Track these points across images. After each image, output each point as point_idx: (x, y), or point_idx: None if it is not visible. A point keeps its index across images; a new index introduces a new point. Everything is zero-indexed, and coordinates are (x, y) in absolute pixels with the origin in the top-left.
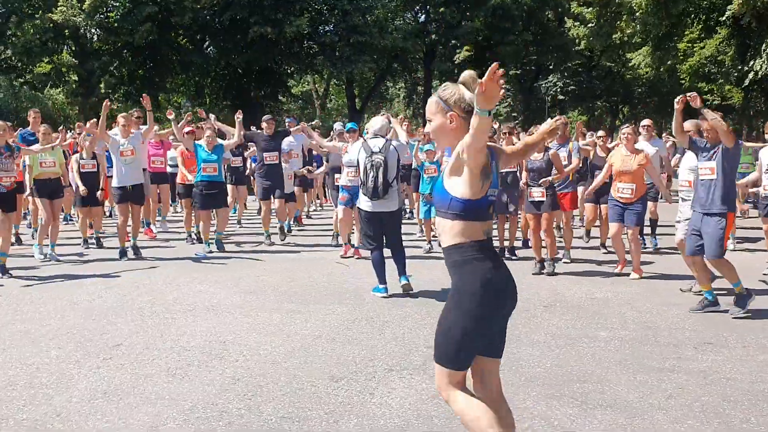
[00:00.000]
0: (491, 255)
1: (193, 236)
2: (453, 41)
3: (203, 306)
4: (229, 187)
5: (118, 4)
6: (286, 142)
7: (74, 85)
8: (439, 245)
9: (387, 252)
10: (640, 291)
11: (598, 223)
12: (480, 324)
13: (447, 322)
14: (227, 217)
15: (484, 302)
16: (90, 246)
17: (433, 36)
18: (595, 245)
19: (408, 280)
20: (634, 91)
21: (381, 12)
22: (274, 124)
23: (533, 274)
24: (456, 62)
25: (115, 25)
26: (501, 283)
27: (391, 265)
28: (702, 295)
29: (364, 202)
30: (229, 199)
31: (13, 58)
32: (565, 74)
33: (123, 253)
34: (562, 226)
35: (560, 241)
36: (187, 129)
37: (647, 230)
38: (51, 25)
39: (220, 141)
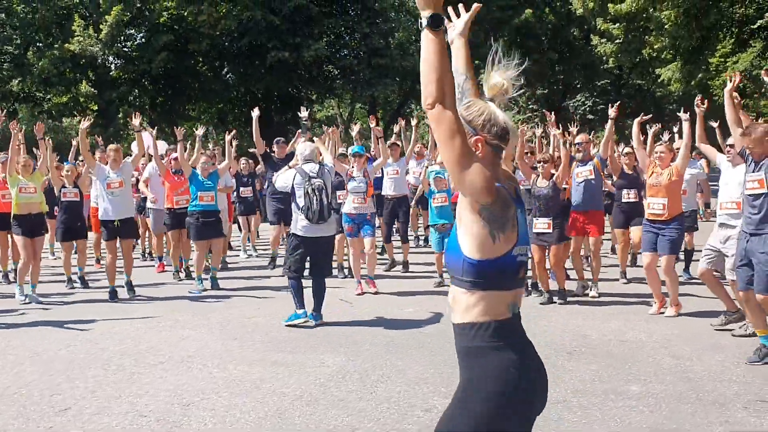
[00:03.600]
0: (517, 340)
1: (181, 272)
2: (476, 61)
3: (177, 357)
4: (240, 218)
5: (135, 33)
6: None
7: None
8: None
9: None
10: (677, 332)
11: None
12: None
13: (450, 426)
14: (221, 250)
15: (503, 408)
16: (75, 285)
17: None
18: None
19: (321, 320)
20: (665, 108)
21: (402, 35)
22: (285, 147)
23: (541, 303)
24: (480, 83)
25: (134, 54)
26: (527, 380)
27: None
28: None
29: (300, 227)
30: (243, 231)
31: (32, 87)
32: (594, 93)
33: (113, 294)
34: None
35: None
36: (174, 155)
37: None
38: (69, 55)
39: (217, 167)
